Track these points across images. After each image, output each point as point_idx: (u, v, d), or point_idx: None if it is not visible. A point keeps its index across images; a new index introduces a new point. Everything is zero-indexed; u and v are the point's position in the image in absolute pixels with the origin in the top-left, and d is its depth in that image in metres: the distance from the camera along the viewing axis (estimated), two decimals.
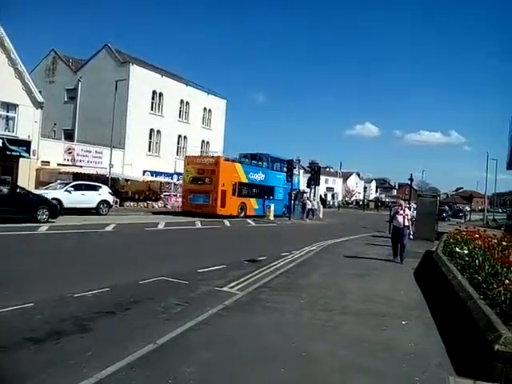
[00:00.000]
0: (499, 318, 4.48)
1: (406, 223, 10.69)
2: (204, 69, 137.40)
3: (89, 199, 20.39)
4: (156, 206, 30.00)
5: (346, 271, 9.21)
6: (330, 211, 44.50)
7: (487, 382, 3.81)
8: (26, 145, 23.26)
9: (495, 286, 5.53)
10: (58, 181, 22.61)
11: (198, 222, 20.72)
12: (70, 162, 27.23)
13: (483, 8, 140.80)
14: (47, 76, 34.79)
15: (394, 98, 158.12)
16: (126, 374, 3.66)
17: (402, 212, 10.72)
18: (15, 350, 4.25)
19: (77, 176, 25.22)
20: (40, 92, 25.58)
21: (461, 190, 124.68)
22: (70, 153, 27.46)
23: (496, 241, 9.80)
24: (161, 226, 17.72)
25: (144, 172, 31.90)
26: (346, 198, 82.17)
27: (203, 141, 39.26)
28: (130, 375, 3.66)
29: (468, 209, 62.60)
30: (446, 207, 56.21)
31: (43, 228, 14.31)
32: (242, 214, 25.66)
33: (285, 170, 28.00)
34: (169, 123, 34.68)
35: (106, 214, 20.83)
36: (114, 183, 26.86)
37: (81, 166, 27.21)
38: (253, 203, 26.82)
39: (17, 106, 23.00)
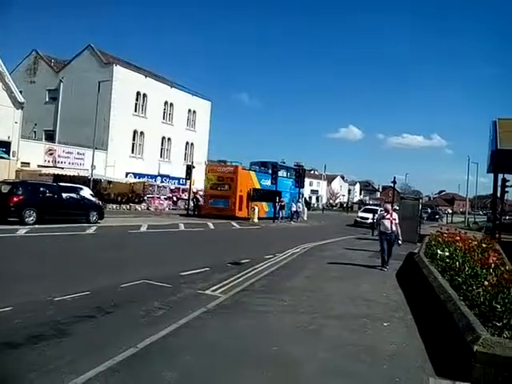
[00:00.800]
0: (478, 319, 4.55)
1: (394, 228, 10.18)
2: (188, 70, 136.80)
3: None
4: (139, 209, 29.69)
5: (329, 274, 9.25)
6: (314, 214, 44.79)
7: (466, 382, 3.85)
8: (5, 146, 22.82)
9: (475, 287, 5.62)
10: None
11: (181, 224, 20.58)
12: (50, 164, 26.79)
13: (466, 12, 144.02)
14: (28, 76, 34.22)
15: (377, 102, 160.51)
16: (106, 379, 3.60)
17: (388, 216, 10.26)
18: None
19: (58, 178, 24.78)
20: (21, 92, 25.14)
21: (443, 193, 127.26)
22: (50, 154, 27.01)
23: (476, 243, 9.97)
24: (143, 229, 17.53)
25: (127, 174, 31.59)
26: (331, 201, 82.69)
27: (187, 142, 39.10)
28: (110, 380, 3.60)
29: (450, 211, 63.72)
30: (429, 209, 57.13)
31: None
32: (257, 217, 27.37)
33: (290, 176, 32.56)
34: (153, 125, 34.42)
35: None
36: (96, 185, 26.50)
37: (62, 168, 26.78)
38: (264, 207, 29.19)
39: None
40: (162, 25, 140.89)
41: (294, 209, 29.35)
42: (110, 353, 4.16)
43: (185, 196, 33.65)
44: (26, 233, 13.66)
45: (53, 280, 7.59)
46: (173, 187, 35.81)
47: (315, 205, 71.47)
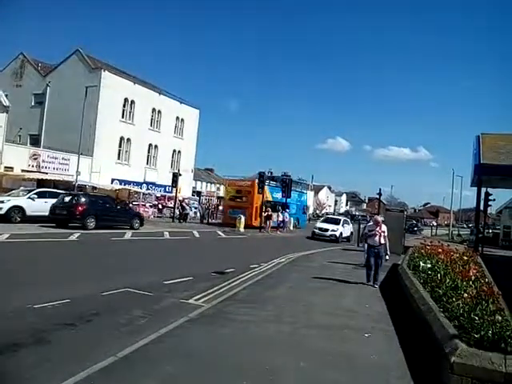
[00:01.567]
0: (457, 331, 4.62)
1: (383, 241, 9.50)
2: (176, 77, 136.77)
3: None
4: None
5: (312, 284, 9.27)
6: None
7: None
8: None
9: (454, 299, 5.70)
10: (21, 187, 21.81)
11: (166, 232, 20.43)
12: (35, 169, 26.37)
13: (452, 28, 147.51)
14: (14, 80, 33.78)
15: (365, 114, 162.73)
16: None
17: (378, 229, 9.52)
18: None
19: (41, 183, 24.41)
20: (6, 96, 24.81)
21: (428, 205, 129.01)
22: (35, 159, 26.62)
23: (458, 255, 10.14)
24: (127, 236, 17.35)
25: (112, 180, 31.28)
26: (317, 211, 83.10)
27: (174, 150, 38.97)
28: None
29: (434, 223, 64.55)
30: (414, 222, 57.89)
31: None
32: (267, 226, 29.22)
33: (298, 189, 36.86)
34: (140, 131, 34.25)
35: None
36: (80, 191, 26.15)
37: (46, 173, 26.38)
38: (275, 216, 30.35)
39: None
40: (157, 30, 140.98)
41: (280, 219, 29.38)
42: (89, 361, 4.11)
43: (170, 204, 33.48)
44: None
45: (32, 287, 7.46)
46: (158, 195, 35.58)
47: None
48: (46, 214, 18.34)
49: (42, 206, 18.79)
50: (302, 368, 4.38)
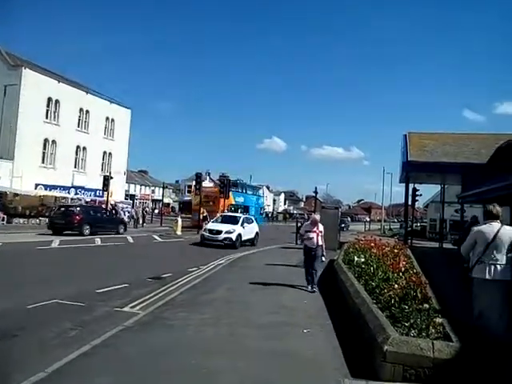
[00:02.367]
0: (389, 321, 4.83)
1: (320, 242, 8.92)
2: (106, 77, 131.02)
3: None
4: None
5: (251, 285, 9.21)
6: None
7: (378, 381, 4.06)
8: None
9: (386, 290, 5.98)
10: None
11: (97, 238, 19.43)
12: None
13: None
14: None
15: (298, 113, 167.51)
16: None
17: (315, 229, 8.95)
18: None
19: None
20: None
21: (361, 202, 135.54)
22: None
23: (389, 249, 10.68)
24: (55, 245, 16.25)
25: (37, 185, 29.17)
26: None
27: (105, 152, 37.28)
28: None
29: (367, 219, 67.93)
30: (349, 218, 60.67)
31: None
32: None
33: (254, 193, 43.25)
34: (66, 133, 32.27)
35: None
36: (0, 197, 24.09)
37: None
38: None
39: None
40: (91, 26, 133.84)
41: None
42: (14, 380, 3.80)
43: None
44: None
45: None
46: (88, 199, 33.82)
47: None
48: None
49: None
50: (239, 368, 4.35)
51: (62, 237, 18.70)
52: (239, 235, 18.87)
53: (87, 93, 35.24)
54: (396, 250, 10.47)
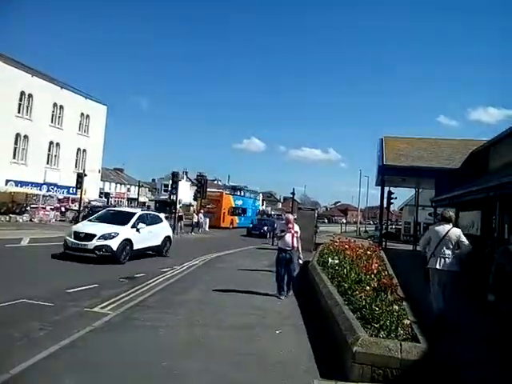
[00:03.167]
0: (359, 322, 4.90)
1: (295, 244, 8.34)
2: (82, 72, 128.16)
3: None
4: (20, 220, 26.71)
5: (225, 286, 9.14)
6: None
7: (347, 382, 4.10)
8: None
9: (358, 292, 6.06)
10: None
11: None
12: None
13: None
14: None
15: (276, 114, 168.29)
16: None
17: (290, 229, 8.35)
18: None
19: None
20: None
21: (338, 204, 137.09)
22: None
23: (363, 250, 10.82)
24: (24, 243, 15.77)
25: (7, 181, 28.27)
26: None
27: (79, 149, 36.46)
28: None
29: (344, 221, 68.66)
30: (326, 219, 61.37)
31: None
32: (231, 226, 38.97)
33: (252, 196, 48.88)
34: (39, 128, 31.37)
35: None
36: None
37: None
38: (236, 219, 41.35)
39: None
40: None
41: (195, 219, 29.01)
42: None
43: (75, 206, 31.22)
44: None
45: None
46: (61, 197, 33.01)
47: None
48: None
49: None
50: (210, 370, 4.32)
51: (32, 235, 18.15)
52: (126, 242, 12.42)
53: (62, 87, 34.40)
54: (369, 252, 10.63)
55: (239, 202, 43.10)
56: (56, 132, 33.55)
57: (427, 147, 21.61)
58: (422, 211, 29.75)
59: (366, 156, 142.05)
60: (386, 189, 25.03)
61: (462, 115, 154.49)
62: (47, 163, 32.95)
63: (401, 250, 23.89)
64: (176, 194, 27.31)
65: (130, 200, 66.82)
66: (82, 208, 28.15)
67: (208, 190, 35.44)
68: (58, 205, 31.73)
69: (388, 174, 20.87)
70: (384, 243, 22.57)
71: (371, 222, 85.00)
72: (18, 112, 30.04)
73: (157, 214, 16.40)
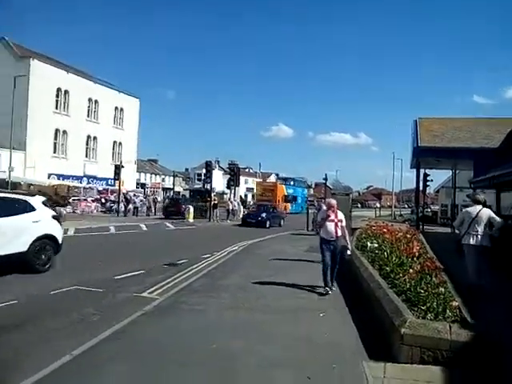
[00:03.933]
0: (405, 304, 4.90)
1: (339, 233, 7.34)
2: (114, 66, 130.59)
3: None
4: (64, 212, 27.88)
5: (265, 271, 9.31)
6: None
7: (396, 363, 4.14)
8: None
9: (401, 275, 6.03)
10: None
11: (111, 226, 19.72)
12: None
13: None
14: None
15: (304, 100, 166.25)
16: None
17: (333, 217, 7.36)
18: None
19: None
20: None
21: (371, 188, 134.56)
22: None
23: (402, 234, 10.67)
24: (70, 233, 16.51)
25: (49, 175, 29.59)
26: None
27: (115, 141, 37.56)
28: None
29: (378, 205, 67.44)
30: (359, 204, 60.63)
31: None
32: (285, 212, 38.08)
33: (300, 185, 55.28)
34: (76, 123, 32.57)
35: None
36: (15, 188, 24.47)
37: None
38: (289, 206, 45.54)
39: None
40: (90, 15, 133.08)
41: (230, 207, 29.35)
42: (43, 361, 3.99)
43: (114, 197, 32.30)
44: None
45: None
46: (100, 188, 34.18)
47: (251, 202, 72.44)
48: None
49: None
50: (259, 351, 4.46)
51: (76, 226, 18.98)
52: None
53: (95, 83, 35.35)
54: (409, 236, 10.46)
55: (290, 191, 49.31)
56: (92, 126, 34.68)
57: (463, 127, 20.79)
58: (460, 193, 28.80)
59: (399, 139, 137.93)
60: (422, 171, 24.35)
61: (498, 94, 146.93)
62: (86, 156, 34.19)
63: (439, 233, 23.32)
64: (210, 182, 27.71)
65: (165, 190, 68.28)
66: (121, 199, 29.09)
67: (261, 181, 43.92)
68: (98, 196, 32.87)
69: (423, 156, 20.27)
70: (421, 226, 22.06)
71: (406, 206, 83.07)
72: (56, 108, 31.22)
73: (21, 197, 8.93)
